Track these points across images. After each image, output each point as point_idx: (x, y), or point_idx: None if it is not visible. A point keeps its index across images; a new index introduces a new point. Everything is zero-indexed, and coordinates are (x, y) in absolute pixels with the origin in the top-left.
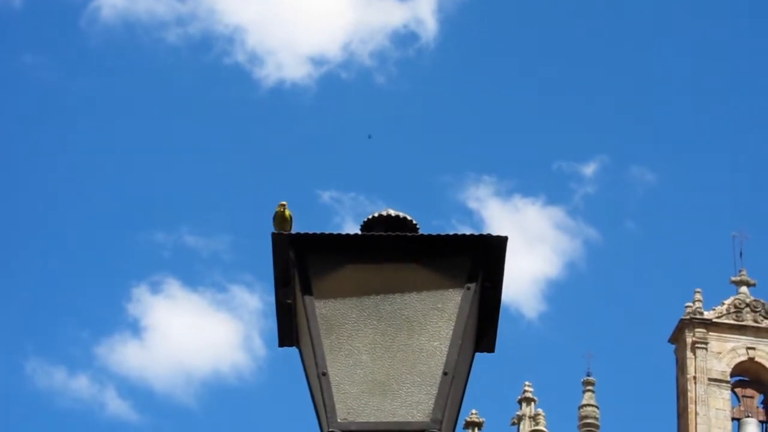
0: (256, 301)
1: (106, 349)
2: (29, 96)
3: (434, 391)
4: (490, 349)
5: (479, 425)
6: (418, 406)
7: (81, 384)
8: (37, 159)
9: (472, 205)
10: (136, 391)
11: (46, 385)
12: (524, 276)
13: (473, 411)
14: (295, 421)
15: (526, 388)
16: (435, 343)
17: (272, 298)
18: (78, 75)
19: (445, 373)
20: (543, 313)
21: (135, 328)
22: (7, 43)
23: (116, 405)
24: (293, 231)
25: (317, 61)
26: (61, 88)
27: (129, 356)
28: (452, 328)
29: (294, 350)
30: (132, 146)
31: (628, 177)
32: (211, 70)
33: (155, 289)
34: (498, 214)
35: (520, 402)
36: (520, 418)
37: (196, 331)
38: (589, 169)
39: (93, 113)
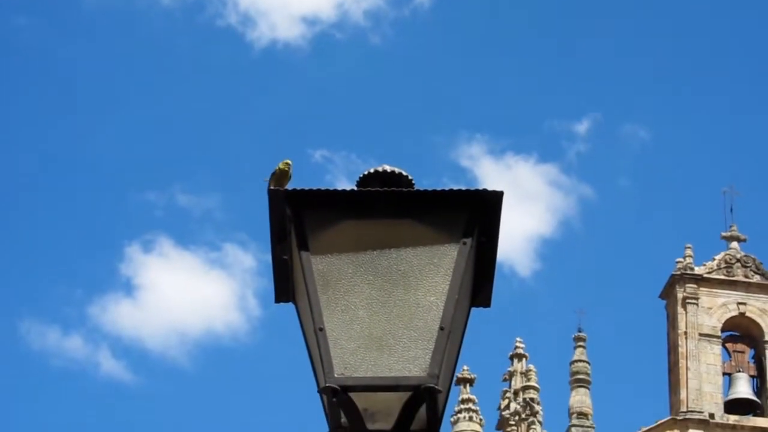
0: (249, 259)
1: (99, 308)
2: (23, 59)
3: (431, 346)
4: (486, 303)
5: (471, 381)
6: (415, 361)
7: (75, 344)
8: (30, 121)
9: (465, 163)
10: (130, 351)
11: (40, 345)
12: (518, 234)
13: (465, 367)
14: (288, 381)
15: (518, 344)
16: (431, 298)
17: (266, 257)
18: (72, 37)
19: (441, 328)
20: (536, 271)
21: (128, 288)
22: (0, 6)
23: (110, 365)
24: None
25: (310, 21)
26: (55, 50)
27: (122, 316)
28: (448, 283)
29: (288, 310)
30: (125, 107)
31: (620, 135)
32: (204, 31)
33: (147, 247)
34: (491, 172)
35: (511, 358)
36: (511, 374)
37: (190, 290)
38: (581, 127)
39: (86, 75)
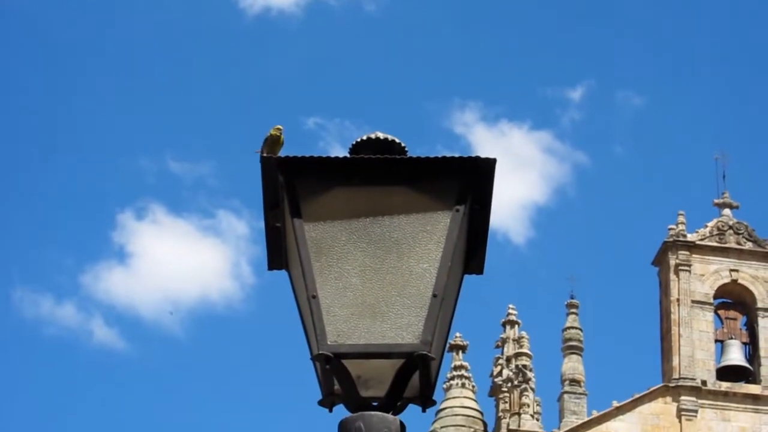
0: (243, 226)
1: (91, 276)
2: (10, 22)
3: (424, 313)
4: (479, 270)
5: (463, 348)
6: (408, 328)
7: (68, 312)
8: (20, 88)
9: (459, 130)
10: (123, 319)
11: (32, 313)
12: (512, 202)
13: (457, 334)
14: (282, 350)
15: (510, 311)
16: (424, 266)
17: (260, 224)
18: (63, 2)
19: (434, 295)
20: (530, 238)
21: (120, 255)
22: None
23: (103, 333)
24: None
25: None
26: (45, 15)
27: (115, 284)
28: (441, 250)
29: (283, 277)
30: (116, 72)
31: (615, 101)
32: None
33: (140, 215)
34: (485, 140)
35: (504, 325)
36: (504, 341)
37: (183, 258)
38: (575, 94)
39: (77, 41)
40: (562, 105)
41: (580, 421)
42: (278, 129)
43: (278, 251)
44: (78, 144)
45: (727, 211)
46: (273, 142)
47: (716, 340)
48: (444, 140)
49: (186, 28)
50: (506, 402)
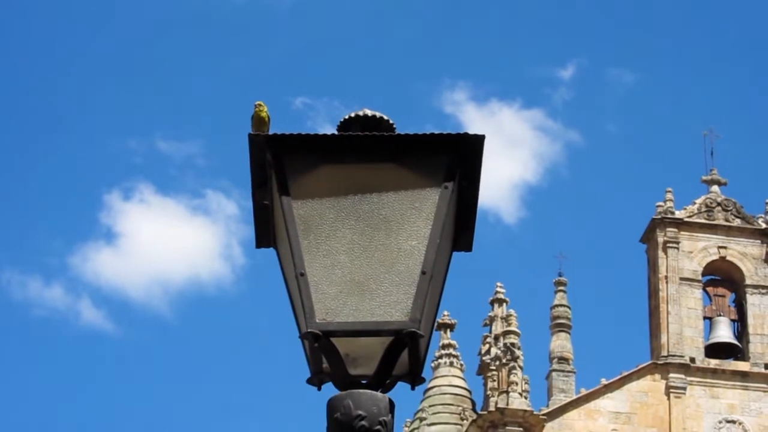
0: (232, 206)
1: (79, 258)
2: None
3: (412, 290)
4: (468, 248)
5: (451, 326)
6: (397, 306)
7: (56, 293)
8: (6, 69)
9: (449, 109)
10: (111, 301)
11: (21, 295)
12: (503, 181)
13: (445, 312)
14: (271, 330)
15: (498, 289)
16: (413, 243)
17: (249, 204)
18: None
19: (423, 273)
20: (521, 218)
21: (108, 236)
22: None
23: (91, 314)
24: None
25: None
26: None
27: (103, 265)
28: (430, 227)
29: (273, 258)
30: (104, 52)
31: (606, 79)
32: None
33: (128, 195)
34: (475, 119)
35: (492, 303)
36: (492, 319)
37: (172, 238)
38: (566, 73)
39: (65, 21)
40: (552, 84)
41: (569, 399)
42: (260, 105)
43: (266, 229)
44: (65, 124)
45: (715, 188)
46: (258, 120)
47: (705, 317)
48: (434, 120)
49: (175, 8)
50: (494, 380)
